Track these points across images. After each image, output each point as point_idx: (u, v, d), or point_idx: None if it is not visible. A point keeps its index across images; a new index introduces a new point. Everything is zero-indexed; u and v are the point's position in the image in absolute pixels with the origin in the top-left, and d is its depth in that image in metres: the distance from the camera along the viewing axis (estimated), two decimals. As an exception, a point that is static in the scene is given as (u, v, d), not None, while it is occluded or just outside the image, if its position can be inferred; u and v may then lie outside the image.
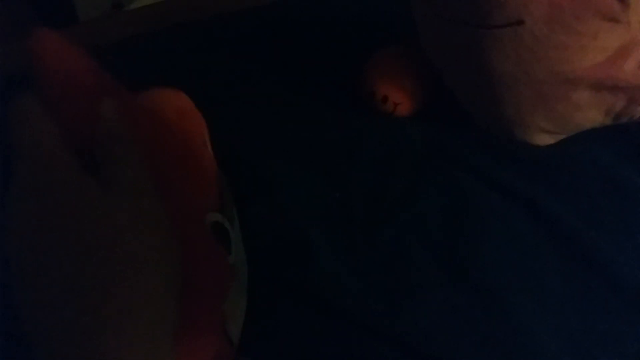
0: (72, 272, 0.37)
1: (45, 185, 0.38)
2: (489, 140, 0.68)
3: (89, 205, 0.38)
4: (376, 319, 0.55)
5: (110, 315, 0.37)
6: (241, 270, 0.54)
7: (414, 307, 0.57)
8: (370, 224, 0.63)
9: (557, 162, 0.66)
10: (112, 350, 0.37)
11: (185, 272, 0.41)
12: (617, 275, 0.57)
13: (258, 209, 0.62)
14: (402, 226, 0.62)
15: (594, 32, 0.56)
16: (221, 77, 0.77)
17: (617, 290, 0.57)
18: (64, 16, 1.14)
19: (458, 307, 0.56)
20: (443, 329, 0.55)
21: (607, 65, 0.58)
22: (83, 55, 0.43)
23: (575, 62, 0.57)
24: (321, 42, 0.79)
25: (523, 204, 0.62)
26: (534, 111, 0.62)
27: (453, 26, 0.60)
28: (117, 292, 0.37)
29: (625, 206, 0.62)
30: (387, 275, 0.59)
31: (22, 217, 0.38)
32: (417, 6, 0.64)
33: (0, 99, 0.43)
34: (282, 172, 0.66)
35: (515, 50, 0.57)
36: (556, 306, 0.56)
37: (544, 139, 0.65)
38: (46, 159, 0.39)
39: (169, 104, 0.54)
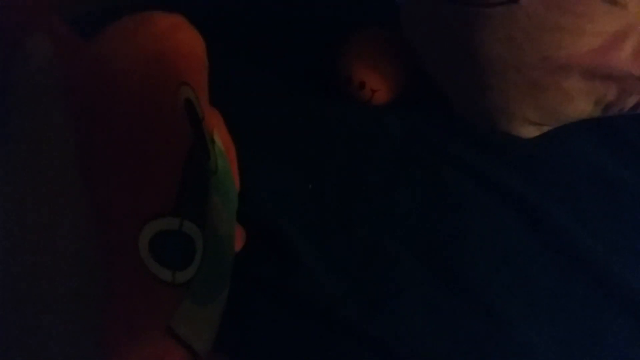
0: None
1: None
2: (471, 129, 0.64)
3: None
4: (356, 321, 0.51)
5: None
6: (211, 280, 0.44)
7: (395, 309, 0.53)
8: (347, 219, 0.58)
9: (542, 155, 0.62)
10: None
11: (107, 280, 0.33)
12: (606, 273, 0.54)
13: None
14: (381, 221, 0.58)
15: (591, 13, 0.52)
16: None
17: (605, 288, 0.54)
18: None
19: (441, 308, 0.53)
20: (426, 332, 0.52)
21: (602, 52, 0.54)
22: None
23: (570, 47, 0.54)
24: (293, 23, 0.74)
25: (508, 199, 0.59)
26: (522, 100, 0.58)
27: (439, 4, 0.55)
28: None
29: (612, 202, 0.59)
30: (367, 274, 0.55)
31: None
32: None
33: None
34: (253, 164, 0.60)
35: (507, 31, 0.53)
36: (544, 307, 0.53)
37: (529, 131, 0.62)
38: None
39: (157, 23, 0.43)
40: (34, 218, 0.30)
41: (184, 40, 0.45)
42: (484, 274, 0.55)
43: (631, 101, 0.58)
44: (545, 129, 0.62)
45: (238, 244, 0.52)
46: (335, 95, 0.66)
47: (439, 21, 0.57)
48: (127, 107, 0.37)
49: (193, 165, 0.42)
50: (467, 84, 0.60)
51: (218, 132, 0.51)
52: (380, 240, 0.57)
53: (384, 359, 0.50)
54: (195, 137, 0.42)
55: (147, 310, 0.37)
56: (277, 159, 0.62)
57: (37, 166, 0.30)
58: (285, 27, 0.73)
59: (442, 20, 0.56)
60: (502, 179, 0.60)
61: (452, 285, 0.54)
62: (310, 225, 0.57)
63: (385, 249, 0.56)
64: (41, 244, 0.31)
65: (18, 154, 0.29)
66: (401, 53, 0.65)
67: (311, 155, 0.63)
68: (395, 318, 0.52)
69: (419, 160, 0.62)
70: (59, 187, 0.31)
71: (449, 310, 0.53)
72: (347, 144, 0.64)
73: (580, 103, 0.58)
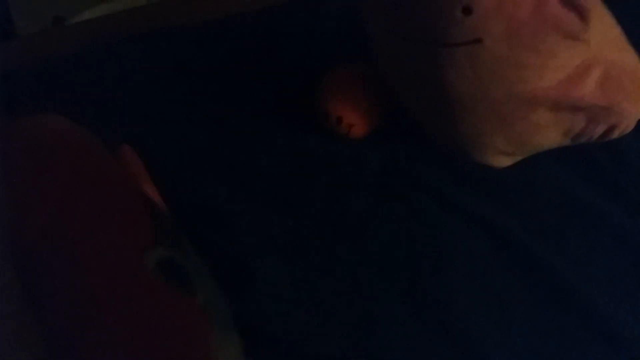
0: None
1: None
2: (448, 161, 0.65)
3: None
4: (339, 357, 0.52)
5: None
6: (218, 306, 0.47)
7: (377, 344, 0.54)
8: (327, 253, 0.59)
9: (518, 185, 0.64)
10: None
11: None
12: (581, 303, 0.56)
13: (206, 240, 0.57)
14: (361, 255, 0.59)
15: (554, 50, 0.54)
16: (164, 98, 0.72)
17: (581, 318, 0.55)
18: (1, 30, 1.07)
19: (421, 342, 0.54)
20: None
21: (566, 85, 0.56)
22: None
23: (535, 82, 0.56)
24: (272, 60, 0.76)
25: (486, 230, 0.60)
26: (492, 132, 0.60)
27: (409, 44, 0.57)
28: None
29: (587, 230, 0.60)
30: (347, 309, 0.56)
31: None
32: (371, 24, 0.61)
33: None
34: (232, 199, 0.62)
35: (473, 69, 0.55)
36: (522, 338, 0.54)
37: (502, 161, 0.63)
38: None
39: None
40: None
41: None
42: (463, 308, 0.56)
43: (599, 130, 0.60)
44: (518, 157, 0.64)
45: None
46: (315, 130, 0.68)
47: (410, 60, 0.59)
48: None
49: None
50: (440, 119, 0.62)
51: None
52: (362, 275, 0.58)
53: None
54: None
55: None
56: (256, 195, 0.63)
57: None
58: (268, 65, 0.75)
59: (412, 59, 0.58)
60: (480, 211, 0.61)
61: (434, 319, 0.55)
62: (291, 262, 0.58)
63: (367, 283, 0.57)
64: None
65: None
66: (378, 87, 0.66)
67: (291, 191, 0.64)
68: (377, 353, 0.53)
69: (398, 193, 0.64)
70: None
71: (428, 344, 0.54)
72: (327, 178, 0.65)
73: (549, 134, 0.60)
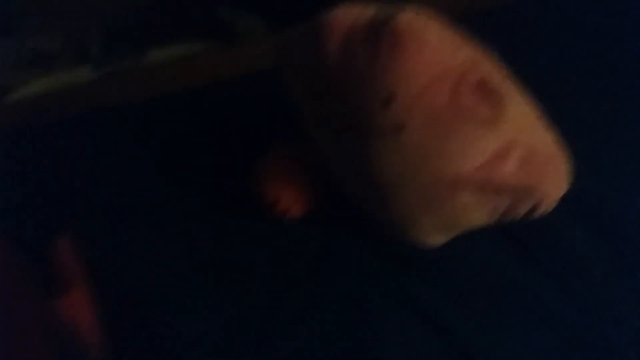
0: None
1: None
2: (385, 242, 0.66)
3: None
4: None
5: None
6: None
7: None
8: (265, 343, 0.58)
9: (453, 265, 0.65)
10: None
11: None
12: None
13: (134, 333, 0.55)
14: (301, 343, 0.59)
15: (472, 136, 0.56)
16: (100, 182, 0.71)
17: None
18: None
19: None
20: None
21: (488, 168, 0.58)
22: None
23: (457, 167, 0.57)
24: (209, 143, 0.76)
25: (421, 314, 0.61)
26: (422, 214, 0.61)
27: (336, 133, 0.59)
28: None
29: (519, 310, 0.61)
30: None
31: None
32: (302, 112, 0.63)
33: None
34: (163, 288, 0.60)
35: (397, 157, 0.57)
36: None
37: (435, 240, 0.64)
38: None
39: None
40: None
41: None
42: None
43: (524, 209, 0.62)
44: (451, 235, 0.65)
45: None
46: (252, 214, 0.68)
47: (339, 147, 0.60)
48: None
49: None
50: (371, 202, 0.63)
51: None
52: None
53: None
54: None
55: None
56: (190, 284, 0.62)
57: None
58: (204, 149, 0.76)
59: (341, 146, 0.60)
60: (416, 293, 0.62)
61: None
62: (227, 354, 0.56)
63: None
64: None
65: None
66: (313, 168, 0.68)
67: (227, 278, 0.64)
68: None
69: (337, 277, 0.64)
70: None
71: None
72: (265, 263, 0.65)
73: (476, 214, 0.62)
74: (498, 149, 0.58)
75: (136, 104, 0.83)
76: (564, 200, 0.63)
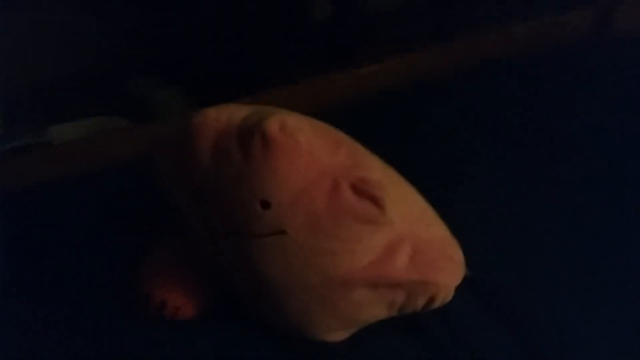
0: None
1: None
2: (283, 341, 0.63)
3: None
4: None
5: None
6: None
7: None
8: None
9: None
10: None
11: None
12: None
13: None
14: None
15: (356, 235, 0.55)
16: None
17: None
18: None
19: None
20: None
21: (378, 264, 0.57)
22: None
23: (346, 265, 0.56)
24: (86, 237, 0.72)
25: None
26: (317, 313, 0.59)
27: (221, 235, 0.56)
28: None
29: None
30: None
31: None
32: (184, 215, 0.60)
33: None
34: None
35: (283, 258, 0.55)
36: None
37: (336, 336, 0.62)
38: None
39: None
40: None
41: None
42: None
43: (421, 301, 0.60)
44: (353, 330, 0.63)
45: None
46: (137, 317, 0.63)
47: (218, 248, 0.58)
48: None
49: None
50: (263, 303, 0.60)
51: None
52: None
53: None
54: None
55: None
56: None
57: None
58: (81, 243, 0.72)
59: (221, 248, 0.57)
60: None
61: None
62: None
63: None
64: None
65: None
66: (205, 263, 0.64)
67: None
68: None
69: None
70: None
71: None
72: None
73: (373, 310, 0.60)
74: (387, 244, 0.57)
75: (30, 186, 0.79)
76: (464, 286, 0.62)
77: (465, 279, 0.62)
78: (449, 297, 0.61)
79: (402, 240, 0.57)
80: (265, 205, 0.52)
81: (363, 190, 0.52)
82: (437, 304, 0.61)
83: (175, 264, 0.64)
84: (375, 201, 0.53)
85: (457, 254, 0.61)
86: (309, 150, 0.51)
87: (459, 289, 0.62)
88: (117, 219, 0.73)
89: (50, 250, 0.72)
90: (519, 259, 0.69)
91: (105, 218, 0.74)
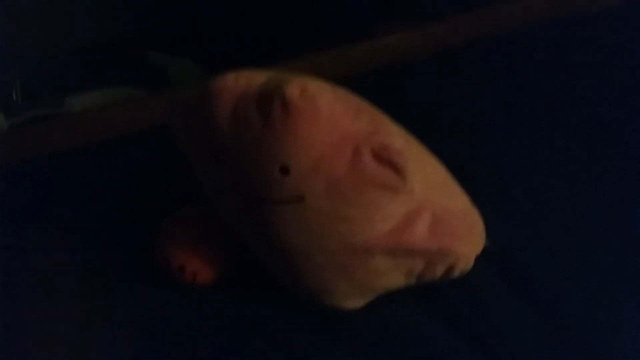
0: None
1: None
2: (302, 308, 0.63)
3: None
4: None
5: None
6: None
7: None
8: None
9: (374, 329, 0.62)
10: None
11: None
12: None
13: None
14: None
15: (377, 203, 0.54)
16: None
17: None
18: None
19: None
20: None
21: (397, 233, 0.56)
22: None
23: (365, 233, 0.55)
24: (104, 206, 0.73)
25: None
26: (335, 280, 0.59)
27: (236, 201, 0.56)
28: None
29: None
30: None
31: None
32: (204, 181, 0.60)
33: None
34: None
35: (302, 224, 0.54)
36: None
37: (354, 303, 0.62)
38: None
39: None
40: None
41: None
42: None
43: (439, 270, 0.60)
44: (370, 298, 0.63)
45: None
46: (157, 280, 0.64)
47: (244, 215, 0.58)
48: None
49: None
50: (283, 269, 0.60)
51: None
52: None
53: None
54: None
55: None
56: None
57: None
58: (100, 210, 0.72)
59: (246, 214, 0.57)
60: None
61: None
62: None
63: None
64: None
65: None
66: (222, 230, 0.64)
67: (133, 352, 0.60)
68: None
69: (251, 350, 0.60)
70: None
71: None
72: (173, 335, 0.62)
73: (391, 278, 0.60)
74: (407, 213, 0.57)
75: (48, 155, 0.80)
76: (484, 257, 0.61)
77: (486, 250, 0.61)
78: (469, 267, 0.61)
79: (422, 209, 0.57)
80: (285, 171, 0.51)
81: (384, 157, 0.52)
82: (456, 273, 0.61)
83: (194, 230, 0.64)
84: (396, 168, 0.52)
85: (477, 225, 0.60)
86: (330, 116, 0.51)
87: (479, 260, 0.62)
88: (134, 187, 0.73)
89: (67, 219, 0.73)
90: (540, 230, 0.68)
91: (122, 186, 0.74)
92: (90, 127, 0.86)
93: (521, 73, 0.90)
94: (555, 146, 0.78)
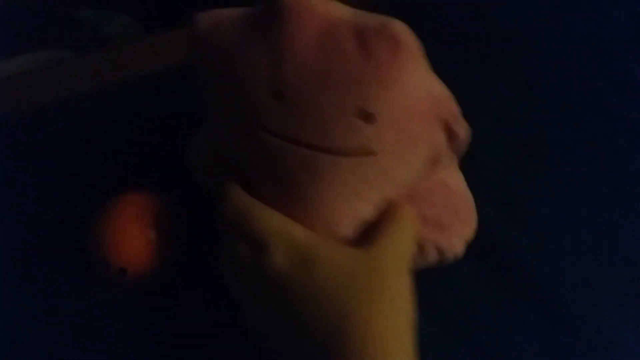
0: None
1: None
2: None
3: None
4: None
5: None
6: None
7: None
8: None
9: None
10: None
11: None
12: None
13: None
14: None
15: (421, 168, 0.51)
16: None
17: None
18: None
19: None
20: None
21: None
22: None
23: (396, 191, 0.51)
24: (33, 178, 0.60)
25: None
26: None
27: (285, 145, 0.47)
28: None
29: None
30: None
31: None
32: (223, 115, 0.50)
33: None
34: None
35: (354, 184, 0.48)
36: None
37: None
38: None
39: None
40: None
41: None
42: None
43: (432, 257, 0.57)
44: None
45: None
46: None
47: (276, 161, 0.49)
48: None
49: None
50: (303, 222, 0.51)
51: None
52: None
53: None
54: None
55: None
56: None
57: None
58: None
59: (282, 160, 0.48)
60: None
61: None
62: None
63: None
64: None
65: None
66: (177, 221, 0.53)
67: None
68: None
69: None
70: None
71: None
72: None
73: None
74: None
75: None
76: (476, 255, 0.60)
77: (477, 247, 0.58)
78: (459, 253, 0.57)
79: (439, 185, 0.54)
80: (369, 118, 0.45)
81: (450, 126, 0.49)
82: (448, 255, 0.57)
83: (138, 221, 0.51)
84: (452, 141, 0.50)
85: (469, 210, 0.58)
86: (425, 69, 0.47)
87: (469, 259, 0.59)
88: (65, 161, 0.59)
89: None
90: (537, 227, 0.66)
91: (52, 159, 0.60)
92: (17, 94, 0.71)
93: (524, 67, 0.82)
94: (558, 140, 0.73)
